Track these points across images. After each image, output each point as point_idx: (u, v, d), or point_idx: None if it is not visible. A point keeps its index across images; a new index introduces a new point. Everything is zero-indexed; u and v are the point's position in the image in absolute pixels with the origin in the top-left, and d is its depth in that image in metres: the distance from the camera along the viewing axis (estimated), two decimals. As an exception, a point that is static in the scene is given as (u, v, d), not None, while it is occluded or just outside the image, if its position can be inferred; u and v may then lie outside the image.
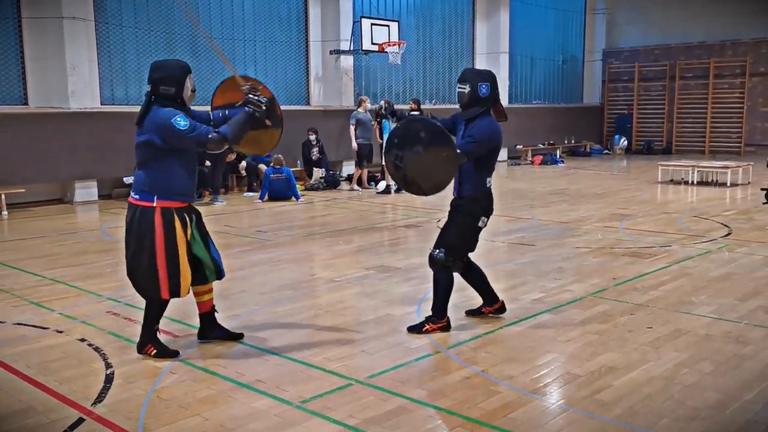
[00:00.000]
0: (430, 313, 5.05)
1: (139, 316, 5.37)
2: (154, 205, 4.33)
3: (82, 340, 4.92)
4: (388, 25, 16.37)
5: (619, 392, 3.96)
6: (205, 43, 14.39)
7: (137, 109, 14.06)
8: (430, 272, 5.97)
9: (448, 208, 5.15)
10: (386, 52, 16.12)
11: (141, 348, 4.58)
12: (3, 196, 10.95)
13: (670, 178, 14.74)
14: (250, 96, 4.51)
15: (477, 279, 5.32)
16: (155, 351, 4.52)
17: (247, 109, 4.49)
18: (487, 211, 5.07)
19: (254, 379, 4.19)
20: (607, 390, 3.99)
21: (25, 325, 5.29)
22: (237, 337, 4.86)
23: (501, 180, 16.07)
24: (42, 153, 11.69)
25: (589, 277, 6.65)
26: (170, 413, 3.74)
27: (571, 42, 23.91)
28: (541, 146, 21.43)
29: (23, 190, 11.35)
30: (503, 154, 21.03)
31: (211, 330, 4.85)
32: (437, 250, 5.01)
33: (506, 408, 3.77)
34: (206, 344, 4.82)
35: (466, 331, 5.07)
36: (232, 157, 12.91)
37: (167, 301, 4.58)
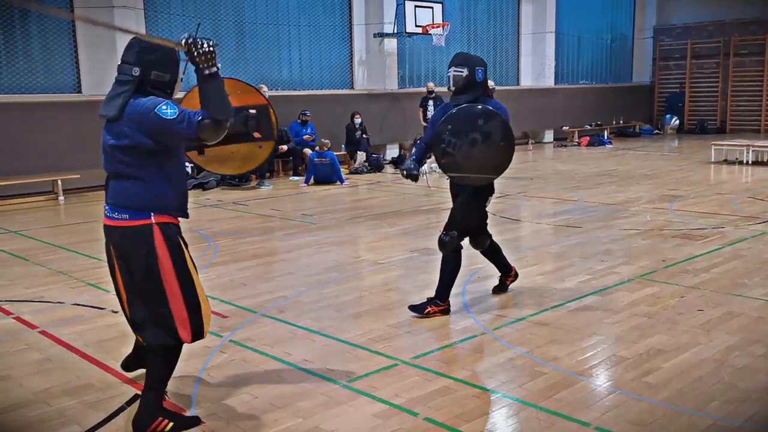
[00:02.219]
0: (433, 296, 5.09)
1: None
2: (152, 221, 3.26)
3: (136, 320, 5.06)
4: (431, 7, 16.25)
5: (667, 375, 3.91)
6: (251, 30, 14.56)
7: (182, 95, 13.91)
8: (474, 254, 6.02)
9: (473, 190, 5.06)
10: (430, 34, 16.02)
11: (148, 422, 3.30)
12: (59, 182, 11.29)
13: (723, 158, 14.36)
14: (188, 41, 3.20)
15: (493, 254, 5.42)
16: (171, 424, 3.33)
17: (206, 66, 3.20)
18: (492, 191, 5.14)
19: (302, 359, 4.27)
20: (656, 372, 3.95)
21: (82, 305, 5.48)
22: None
23: (546, 162, 15.91)
24: (95, 140, 11.95)
25: (638, 259, 6.55)
26: (221, 391, 3.84)
27: (620, 20, 23.36)
28: (588, 127, 21.07)
29: (78, 176, 11.66)
30: (549, 135, 20.80)
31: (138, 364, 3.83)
32: (447, 234, 5.02)
33: (552, 389, 3.77)
34: (253, 325, 4.92)
35: (511, 314, 5.06)
36: (284, 148, 13.02)
37: (180, 350, 3.45)
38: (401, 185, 12.35)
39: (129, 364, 3.89)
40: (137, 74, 3.24)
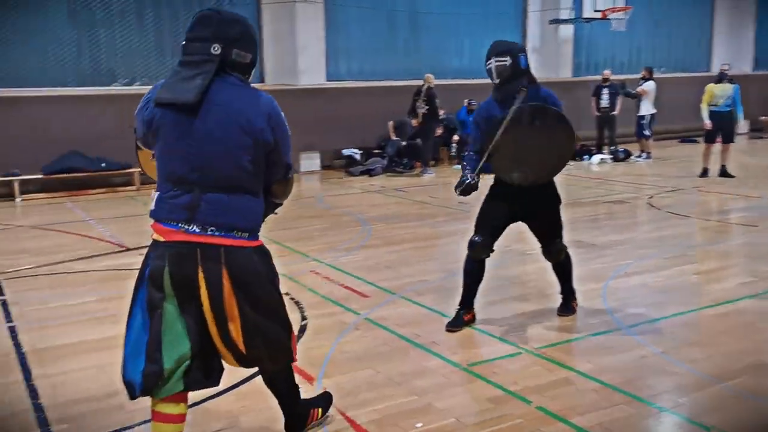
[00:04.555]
0: (571, 293, 4.87)
1: (340, 277, 5.86)
2: (260, 242, 2.80)
3: (286, 293, 5.39)
4: (614, -10, 15.56)
5: (816, 387, 3.59)
6: (424, 19, 14.81)
7: (359, 84, 14.69)
8: (625, 249, 5.90)
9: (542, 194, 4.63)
10: (609, 19, 15.37)
11: (304, 421, 3.20)
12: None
13: None
14: None
15: (478, 279, 4.74)
16: (320, 409, 3.31)
17: None
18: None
19: (430, 340, 4.41)
20: (803, 384, 3.64)
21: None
22: None
23: (737, 155, 14.67)
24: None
25: (814, 263, 5.97)
26: (348, 364, 4.07)
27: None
28: (790, 117, 19.11)
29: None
30: (743, 126, 19.12)
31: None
32: (558, 243, 4.68)
33: (680, 390, 3.61)
34: (390, 306, 5.12)
35: (653, 312, 4.85)
36: (439, 131, 13.20)
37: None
38: (565, 176, 12.03)
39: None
40: (218, 52, 2.61)
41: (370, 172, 12.71)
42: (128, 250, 7.06)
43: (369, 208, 9.41)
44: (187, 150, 2.60)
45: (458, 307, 4.69)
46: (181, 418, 2.76)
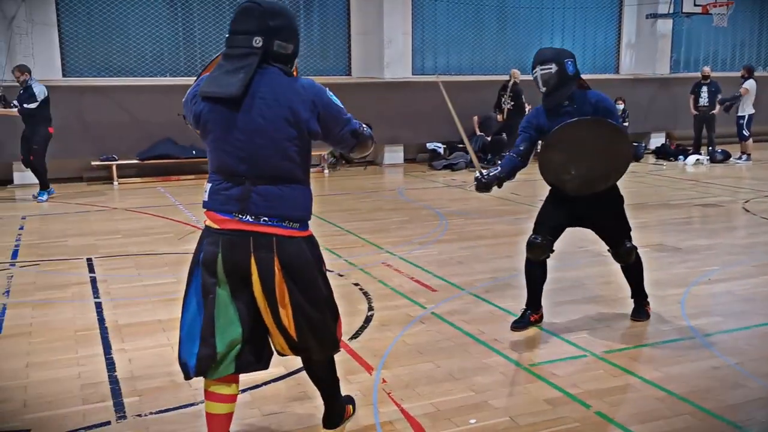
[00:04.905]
0: (643, 297, 4.71)
1: (411, 270, 5.90)
2: (310, 232, 2.86)
3: (356, 284, 5.53)
4: (717, -16, 14.86)
5: None
6: (513, 13, 14.60)
7: (445, 78, 14.61)
8: (712, 255, 5.79)
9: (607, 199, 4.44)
10: (711, 13, 14.68)
11: (340, 419, 3.16)
12: (324, 156, 12.47)
13: None
14: None
15: (541, 280, 4.65)
16: (352, 407, 3.31)
17: None
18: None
19: (493, 338, 4.38)
20: None
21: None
22: None
23: None
24: (357, 119, 12.95)
25: None
26: (409, 357, 4.10)
27: None
28: None
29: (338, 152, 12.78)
30: None
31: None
32: (626, 244, 4.49)
33: (749, 404, 3.45)
34: (457, 301, 5.11)
35: (733, 321, 4.64)
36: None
37: None
38: (657, 176, 11.62)
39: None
40: (260, 45, 2.62)
41: (452, 167, 12.66)
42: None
43: (448, 202, 9.39)
44: (234, 143, 2.64)
45: (525, 307, 4.64)
46: (232, 398, 2.85)
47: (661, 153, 14.07)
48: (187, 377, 2.78)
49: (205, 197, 2.75)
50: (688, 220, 8.10)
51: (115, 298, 5.23)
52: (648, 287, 5.04)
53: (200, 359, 2.71)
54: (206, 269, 2.72)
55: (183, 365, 2.77)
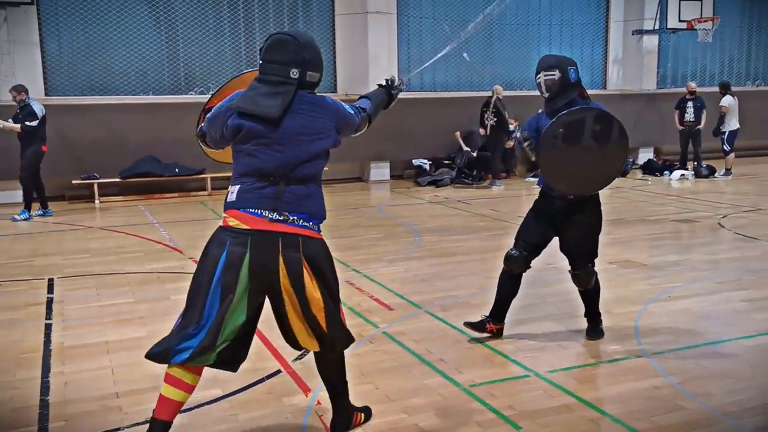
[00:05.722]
0: (596, 316, 4.67)
1: (372, 289, 5.86)
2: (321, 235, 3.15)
3: (314, 303, 5.49)
4: (701, 0, 14.88)
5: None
6: (499, 31, 14.63)
7: (430, 95, 14.82)
8: (678, 271, 5.82)
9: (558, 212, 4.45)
10: (696, 29, 14.70)
11: (349, 422, 3.39)
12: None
13: None
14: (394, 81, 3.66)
15: (513, 293, 4.64)
16: (363, 415, 3.51)
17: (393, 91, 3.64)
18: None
19: (439, 358, 4.33)
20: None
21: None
22: None
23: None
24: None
25: None
26: (350, 378, 3.99)
27: None
28: None
29: (326, 169, 12.72)
30: None
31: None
32: (588, 268, 4.46)
33: (684, 426, 3.39)
34: (412, 320, 5.07)
35: (685, 340, 4.59)
36: (510, 143, 12.98)
37: None
38: (640, 191, 11.58)
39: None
40: (296, 76, 2.96)
41: (437, 183, 12.65)
42: (181, 253, 7.32)
43: (427, 219, 9.37)
44: (273, 153, 2.97)
45: (487, 315, 4.63)
46: (191, 389, 3.03)
47: (648, 168, 14.03)
48: (165, 362, 2.96)
49: (232, 197, 3.01)
50: (660, 235, 8.04)
51: (68, 319, 5.19)
52: (607, 304, 5.06)
53: (199, 349, 2.92)
54: (228, 270, 2.92)
55: (169, 352, 2.93)
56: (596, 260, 4.53)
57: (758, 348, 4.41)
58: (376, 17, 13.10)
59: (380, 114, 3.57)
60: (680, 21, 14.62)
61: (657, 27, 14.99)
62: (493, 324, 4.61)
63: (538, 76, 4.39)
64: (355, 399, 3.73)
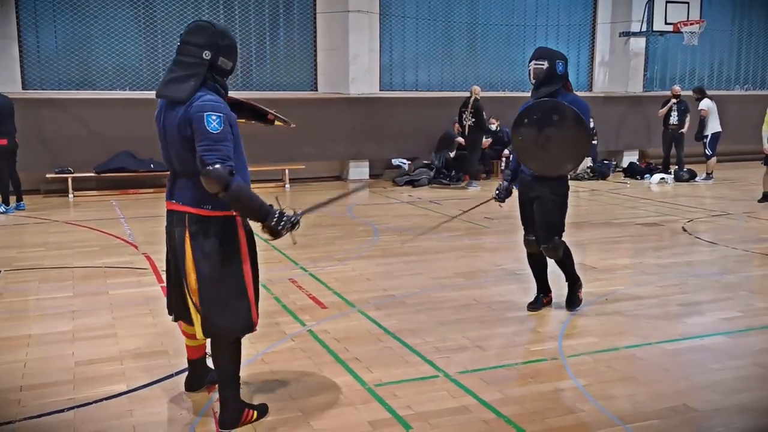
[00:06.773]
0: (575, 282, 5.26)
1: (313, 287, 5.85)
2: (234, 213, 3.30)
3: (250, 300, 5.49)
4: (687, 2, 14.81)
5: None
6: (483, 32, 14.60)
7: (411, 95, 14.88)
8: (626, 275, 6.24)
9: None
10: (682, 32, 14.63)
11: (237, 418, 3.38)
12: (287, 171, 12.48)
13: None
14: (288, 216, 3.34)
15: (542, 269, 5.28)
16: (256, 413, 3.47)
17: (282, 217, 3.29)
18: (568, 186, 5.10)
19: (354, 356, 4.32)
20: (718, 433, 3.31)
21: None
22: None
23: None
24: (322, 134, 12.96)
25: (823, 301, 5.43)
26: (260, 376, 4.04)
27: None
28: None
29: (303, 167, 12.76)
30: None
31: (202, 378, 3.79)
32: (555, 240, 4.99)
33: (576, 428, 3.38)
34: (342, 319, 5.07)
35: (607, 342, 4.56)
36: (486, 143, 12.96)
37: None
38: (615, 194, 11.54)
39: (194, 382, 3.77)
40: (208, 58, 3.16)
41: (414, 183, 12.63)
42: (136, 249, 7.33)
43: (392, 218, 9.36)
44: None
45: (537, 292, 5.26)
46: (193, 336, 3.62)
47: (629, 171, 13.97)
48: (252, 331, 3.42)
49: None
50: (619, 239, 8.00)
51: (0, 312, 5.22)
52: (544, 306, 5.11)
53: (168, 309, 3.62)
54: (252, 245, 3.39)
55: (253, 325, 3.38)
56: (563, 234, 5.03)
57: (676, 352, 4.38)
58: (357, 16, 13.10)
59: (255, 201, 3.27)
60: (666, 24, 14.54)
61: (644, 29, 14.91)
62: (545, 296, 5.26)
63: (529, 64, 4.87)
64: (257, 396, 3.75)
